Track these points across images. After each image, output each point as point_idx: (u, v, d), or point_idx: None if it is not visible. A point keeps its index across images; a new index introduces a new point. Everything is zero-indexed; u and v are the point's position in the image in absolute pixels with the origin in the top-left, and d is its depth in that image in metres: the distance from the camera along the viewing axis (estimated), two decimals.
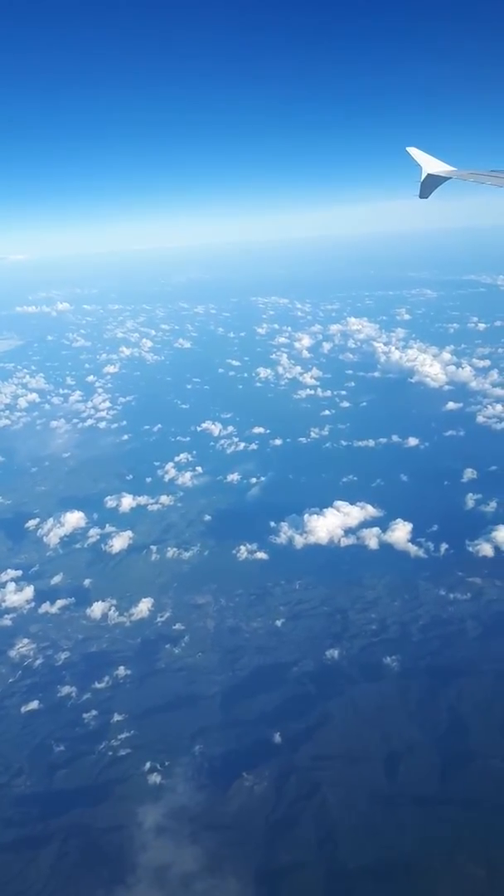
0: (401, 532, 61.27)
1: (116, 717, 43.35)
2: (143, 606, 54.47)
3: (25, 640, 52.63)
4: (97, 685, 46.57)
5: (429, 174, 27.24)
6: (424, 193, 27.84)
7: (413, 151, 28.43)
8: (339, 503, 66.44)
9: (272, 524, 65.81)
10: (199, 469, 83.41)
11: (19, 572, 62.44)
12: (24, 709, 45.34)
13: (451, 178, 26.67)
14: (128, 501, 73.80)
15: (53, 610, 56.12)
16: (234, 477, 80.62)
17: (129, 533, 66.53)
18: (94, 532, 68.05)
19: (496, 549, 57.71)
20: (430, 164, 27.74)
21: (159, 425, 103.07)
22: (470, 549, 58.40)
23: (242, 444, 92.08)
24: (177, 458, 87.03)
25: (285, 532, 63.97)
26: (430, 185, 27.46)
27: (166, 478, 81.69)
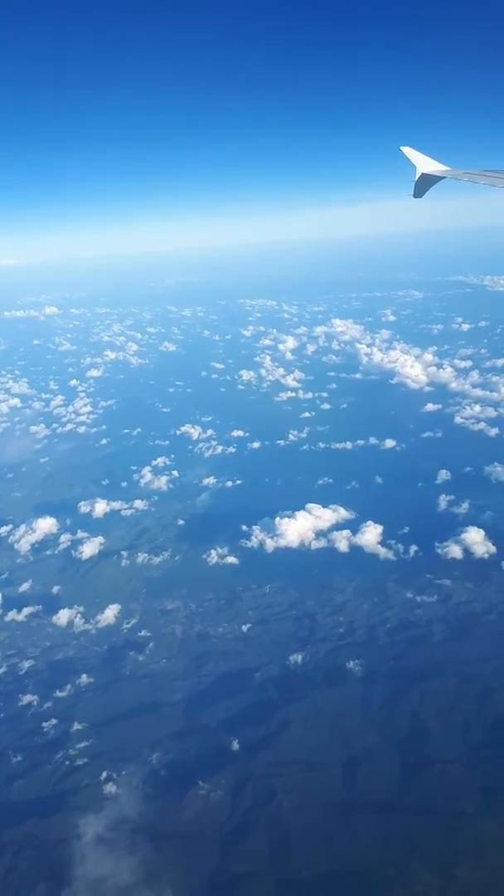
0: (371, 534, 61.05)
1: (76, 726, 42.97)
2: (110, 613, 54.09)
3: None
4: (59, 693, 46.16)
5: (423, 174, 27.24)
6: (418, 193, 27.88)
7: (407, 151, 28.33)
8: (311, 506, 66.22)
9: (244, 528, 65.50)
10: (175, 473, 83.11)
11: None
12: None
13: (444, 177, 26.62)
14: (101, 507, 73.37)
15: (20, 618, 55.66)
16: (209, 480, 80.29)
17: (100, 539, 66.14)
18: (65, 538, 67.57)
19: (465, 550, 57.52)
20: (424, 164, 27.73)
21: (139, 429, 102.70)
22: (439, 550, 58.24)
23: (220, 448, 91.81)
24: (154, 462, 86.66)
25: (257, 536, 63.67)
26: (424, 184, 27.49)
27: (142, 482, 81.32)
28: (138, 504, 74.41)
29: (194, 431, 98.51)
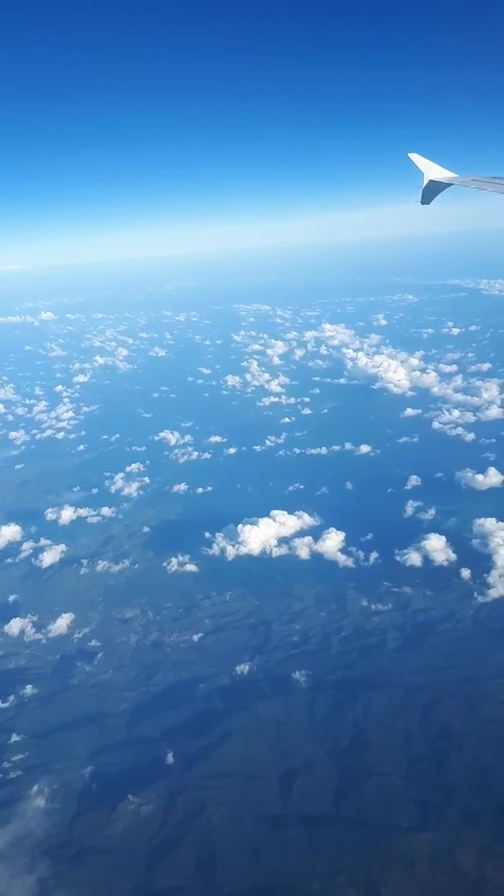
0: (332, 541, 60.36)
1: (14, 738, 42.38)
2: (62, 622, 53.54)
3: None
4: (1, 704, 45.58)
5: (430, 180, 27.09)
6: (426, 199, 27.82)
7: (415, 158, 28.16)
8: (275, 512, 65.48)
9: (207, 535, 64.86)
10: (147, 479, 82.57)
11: None
12: None
13: (452, 184, 26.41)
14: (68, 514, 72.90)
15: None
16: (180, 487, 79.62)
17: (62, 546, 65.57)
18: (27, 546, 66.99)
19: (425, 558, 56.76)
20: (432, 171, 27.60)
21: (117, 435, 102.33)
22: (398, 558, 57.48)
23: (196, 454, 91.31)
24: (128, 469, 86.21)
25: (218, 543, 62.99)
26: (432, 191, 27.35)
27: (113, 488, 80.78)
28: (106, 511, 73.86)
29: (172, 437, 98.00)
